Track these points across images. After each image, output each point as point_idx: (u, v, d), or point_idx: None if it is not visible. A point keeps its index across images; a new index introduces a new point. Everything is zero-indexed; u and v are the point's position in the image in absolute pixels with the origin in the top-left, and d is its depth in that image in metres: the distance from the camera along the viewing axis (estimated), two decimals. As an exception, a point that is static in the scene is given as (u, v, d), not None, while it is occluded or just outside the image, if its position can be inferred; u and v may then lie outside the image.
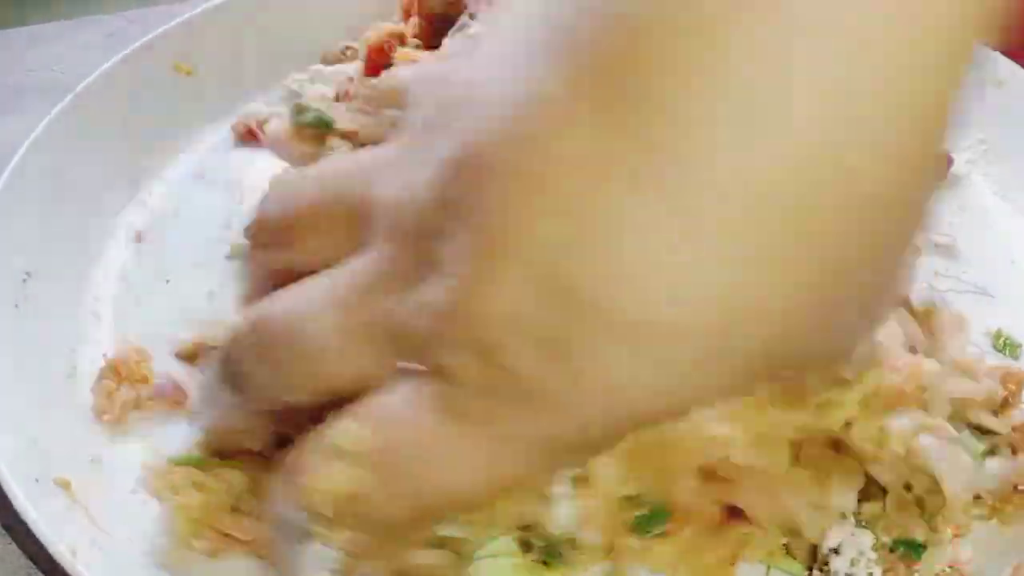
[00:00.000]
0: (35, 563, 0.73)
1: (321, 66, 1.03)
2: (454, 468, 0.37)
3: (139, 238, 0.94)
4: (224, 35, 1.06)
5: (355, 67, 0.98)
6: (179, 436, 0.76)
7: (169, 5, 1.31)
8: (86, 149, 0.95)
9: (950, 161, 0.98)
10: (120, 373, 0.79)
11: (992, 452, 0.66)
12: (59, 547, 0.63)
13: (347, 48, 1.04)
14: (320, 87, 0.98)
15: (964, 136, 1.01)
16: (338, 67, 1.02)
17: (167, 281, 0.90)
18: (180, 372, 0.81)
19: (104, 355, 0.81)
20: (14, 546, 0.72)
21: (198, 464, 0.70)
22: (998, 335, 0.84)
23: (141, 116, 1.00)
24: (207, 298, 0.88)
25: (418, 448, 0.38)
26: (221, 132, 1.03)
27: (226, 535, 0.67)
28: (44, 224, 0.88)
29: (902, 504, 0.64)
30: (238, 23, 1.07)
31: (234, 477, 0.67)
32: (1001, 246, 0.94)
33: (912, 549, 0.63)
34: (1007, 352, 0.83)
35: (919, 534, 0.63)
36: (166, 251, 0.93)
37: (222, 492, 0.68)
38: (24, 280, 0.83)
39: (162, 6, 1.33)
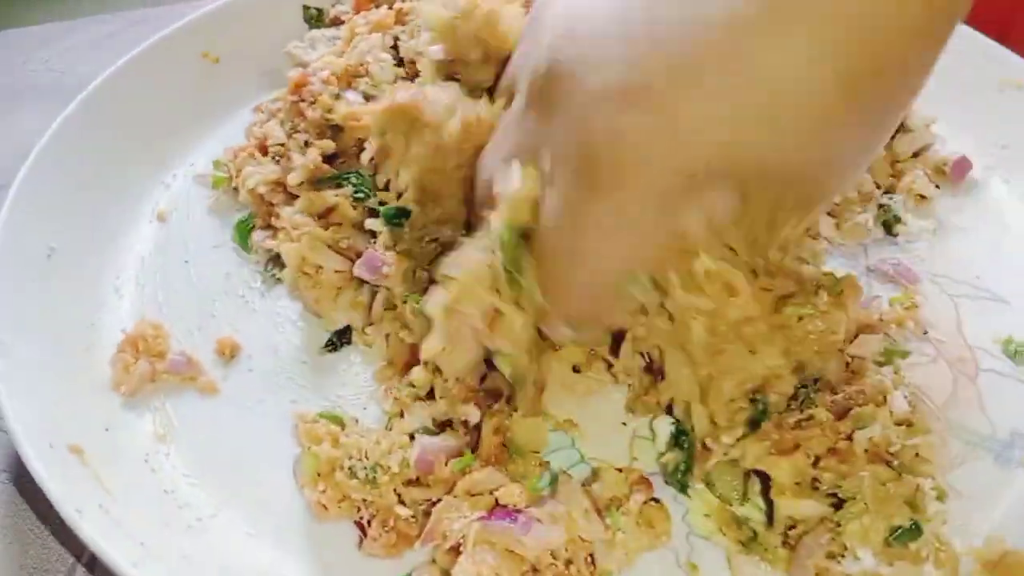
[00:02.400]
0: (46, 524, 0.77)
1: (316, 32, 1.06)
2: None
3: (161, 219, 0.96)
4: (248, 25, 1.08)
5: (346, 30, 1.01)
6: (192, 409, 0.79)
7: (170, 6, 1.33)
8: (113, 132, 0.97)
9: (968, 166, 0.98)
10: (137, 347, 0.82)
11: None
12: (67, 508, 0.65)
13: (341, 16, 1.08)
14: (320, 51, 1.00)
15: (984, 141, 1.00)
16: (332, 31, 1.06)
17: (186, 261, 0.92)
18: (195, 348, 0.84)
19: (123, 330, 0.84)
20: (14, 546, 0.76)
21: (339, 422, 0.75)
22: (1008, 341, 0.83)
23: (166, 102, 1.03)
24: (224, 279, 0.91)
25: None
26: (244, 118, 1.04)
27: (324, 506, 0.70)
28: (70, 202, 0.91)
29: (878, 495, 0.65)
30: (261, 14, 1.09)
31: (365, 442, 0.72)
32: (1018, 253, 0.92)
33: (908, 533, 0.65)
34: (1016, 358, 0.83)
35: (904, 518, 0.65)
36: (186, 232, 0.95)
37: (352, 449, 0.71)
38: (48, 255, 0.86)
39: (164, 7, 1.35)
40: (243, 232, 0.93)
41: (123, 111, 0.99)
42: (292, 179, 0.88)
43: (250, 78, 1.07)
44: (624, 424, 0.77)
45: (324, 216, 0.87)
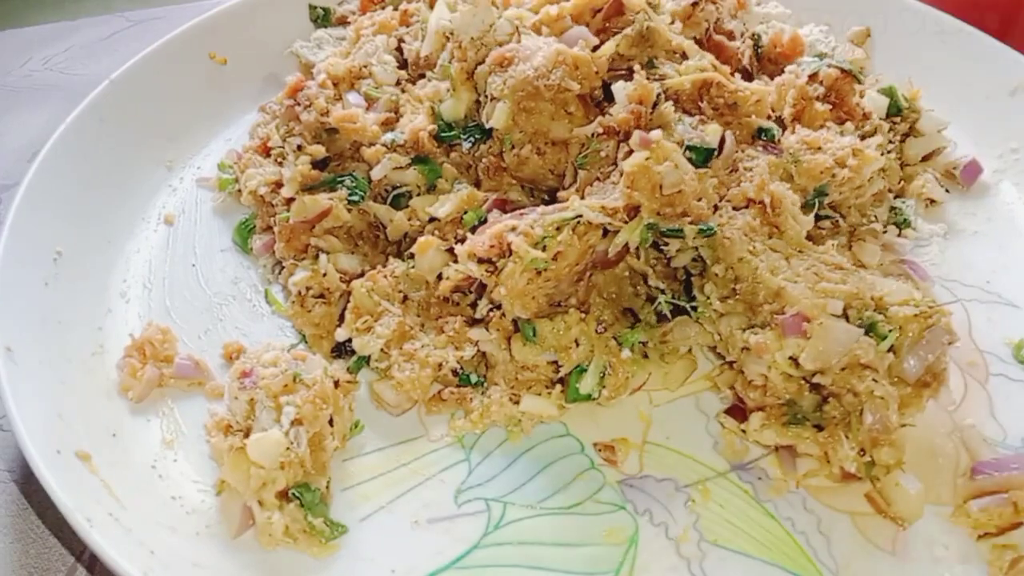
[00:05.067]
0: (54, 533, 0.76)
1: (323, 32, 1.06)
2: None
3: (168, 222, 0.96)
4: (256, 26, 1.08)
5: (352, 32, 1.02)
6: (200, 414, 0.78)
7: (171, 7, 1.33)
8: (119, 135, 0.97)
9: (979, 169, 0.97)
10: (144, 352, 0.81)
11: None
12: (77, 517, 0.64)
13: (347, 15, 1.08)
14: (326, 51, 1.00)
15: (994, 145, 0.99)
16: (339, 31, 1.06)
17: (193, 265, 0.92)
18: (203, 352, 0.83)
19: (130, 334, 0.83)
20: (16, 545, 0.76)
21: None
22: (1019, 346, 0.83)
23: (174, 104, 1.03)
24: (232, 283, 0.90)
25: None
26: (251, 120, 1.04)
27: (250, 520, 0.69)
28: (76, 205, 0.90)
29: None
30: (269, 15, 1.09)
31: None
32: (1028, 256, 0.91)
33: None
34: (1027, 363, 0.82)
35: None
36: (193, 236, 0.95)
37: (297, 466, 0.70)
38: (55, 259, 0.86)
39: (164, 8, 1.34)
40: (243, 234, 0.93)
41: (130, 114, 0.98)
42: (285, 192, 0.88)
43: (258, 79, 1.07)
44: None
45: (318, 220, 0.86)
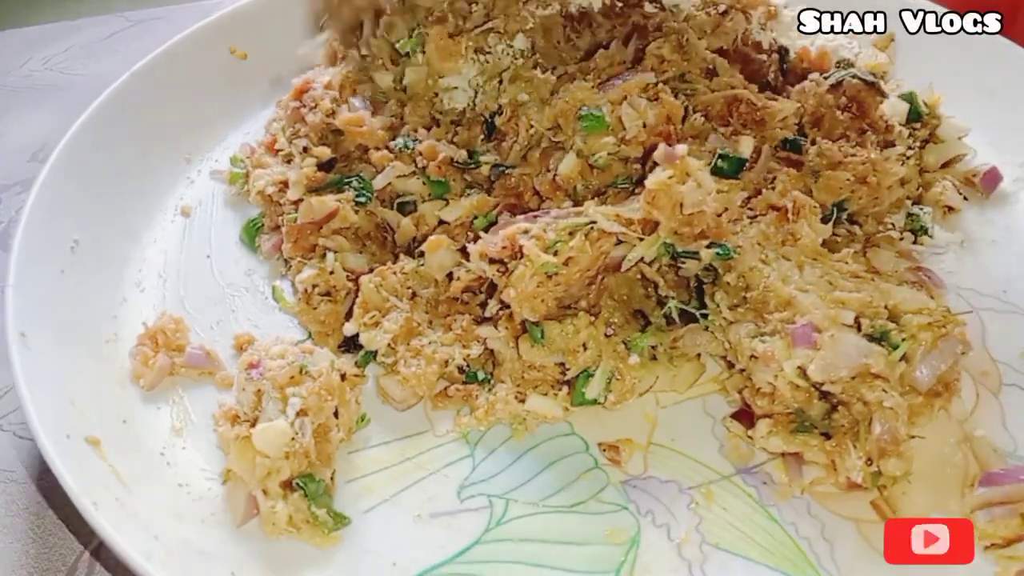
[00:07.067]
0: (62, 518, 0.77)
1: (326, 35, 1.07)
2: None
3: (185, 214, 0.97)
4: (276, 21, 1.09)
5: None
6: (210, 403, 0.79)
7: (171, 7, 1.34)
8: (138, 127, 0.98)
9: (999, 178, 0.96)
10: (157, 341, 0.82)
11: None
12: (83, 500, 0.65)
13: None
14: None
15: (1016, 152, 0.98)
16: None
17: (208, 256, 0.93)
18: (214, 343, 0.84)
19: (144, 323, 0.84)
20: (14, 545, 0.76)
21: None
22: (1034, 357, 0.82)
23: (193, 97, 1.04)
24: (245, 275, 0.91)
25: None
26: (268, 114, 1.05)
27: (255, 509, 0.70)
28: (95, 195, 0.91)
29: None
30: (289, 10, 1.09)
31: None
32: (1046, 267, 0.90)
33: None
34: (1041, 373, 0.81)
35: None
36: (209, 228, 0.96)
37: (302, 456, 0.71)
38: (72, 247, 0.87)
39: (165, 7, 1.36)
40: (251, 233, 0.94)
41: (149, 106, 1.00)
42: (291, 194, 0.88)
43: (277, 73, 1.08)
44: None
45: (325, 221, 0.87)
